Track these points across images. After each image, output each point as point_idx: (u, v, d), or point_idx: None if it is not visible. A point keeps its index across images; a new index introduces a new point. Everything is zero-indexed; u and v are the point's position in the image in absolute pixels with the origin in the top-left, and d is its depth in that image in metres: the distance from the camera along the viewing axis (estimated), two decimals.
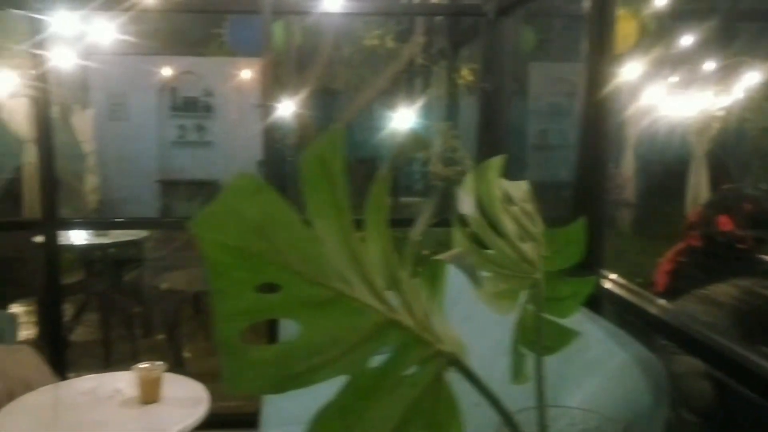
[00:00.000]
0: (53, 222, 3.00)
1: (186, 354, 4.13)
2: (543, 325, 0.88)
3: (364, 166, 6.30)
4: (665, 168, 6.05)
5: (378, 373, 0.55)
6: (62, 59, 3.47)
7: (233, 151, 7.64)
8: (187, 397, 2.22)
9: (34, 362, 2.55)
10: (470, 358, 0.61)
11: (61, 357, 3.04)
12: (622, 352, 1.45)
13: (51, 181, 3.00)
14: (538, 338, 0.88)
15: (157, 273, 4.54)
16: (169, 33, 6.72)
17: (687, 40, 4.28)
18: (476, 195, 0.91)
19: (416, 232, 0.64)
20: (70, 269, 4.42)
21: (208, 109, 7.95)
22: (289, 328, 2.59)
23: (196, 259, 4.36)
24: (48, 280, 3.04)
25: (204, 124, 7.97)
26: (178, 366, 3.82)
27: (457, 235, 0.89)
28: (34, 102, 2.99)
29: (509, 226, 0.90)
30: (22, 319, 4.07)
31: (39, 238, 3.63)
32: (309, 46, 5.10)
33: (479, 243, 0.89)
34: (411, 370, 0.57)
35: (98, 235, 4.38)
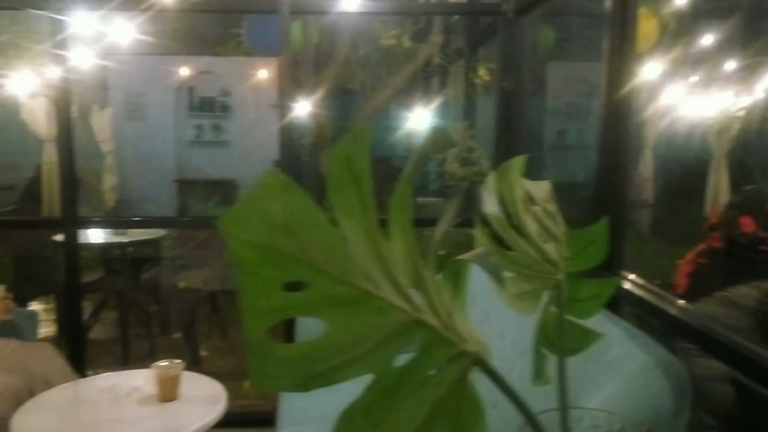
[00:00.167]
0: (73, 220, 3.03)
1: (202, 352, 4.15)
2: (565, 326, 0.88)
3: (380, 165, 6.30)
4: (684, 169, 6.00)
5: (403, 373, 0.55)
6: (81, 59, 3.50)
7: (250, 151, 7.67)
8: (205, 396, 2.23)
9: (54, 359, 2.57)
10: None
11: (80, 354, 3.07)
12: (643, 354, 1.44)
13: (71, 180, 3.03)
14: (559, 339, 0.87)
15: (175, 272, 4.57)
16: (187, 33, 6.75)
17: (708, 38, 4.24)
18: (498, 195, 0.90)
19: (439, 232, 0.63)
20: (88, 267, 4.47)
21: (225, 109, 7.99)
22: (305, 328, 2.59)
23: (212, 259, 4.39)
24: (68, 278, 3.06)
25: (221, 123, 8.01)
26: (194, 364, 3.84)
27: (480, 235, 0.88)
28: (53, 102, 3.01)
29: (531, 226, 0.90)
30: (42, 316, 4.11)
31: (59, 237, 3.68)
32: (326, 45, 5.10)
33: (501, 243, 0.88)
34: (435, 370, 0.57)
35: (117, 234, 4.42)
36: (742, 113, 5.04)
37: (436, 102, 5.34)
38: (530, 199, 0.93)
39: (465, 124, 4.63)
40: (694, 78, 4.75)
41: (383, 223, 0.55)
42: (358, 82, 5.55)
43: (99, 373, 2.61)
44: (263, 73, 7.22)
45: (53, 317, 4.42)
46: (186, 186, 7.66)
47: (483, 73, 5.12)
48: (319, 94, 4.82)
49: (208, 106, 7.98)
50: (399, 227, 0.57)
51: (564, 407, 0.79)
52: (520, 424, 0.70)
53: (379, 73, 5.40)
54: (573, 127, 7.90)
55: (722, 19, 4.46)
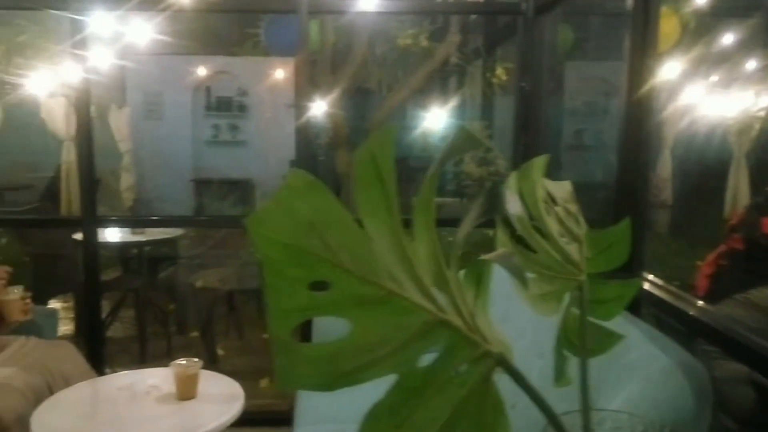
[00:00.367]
0: (92, 219, 3.05)
1: (219, 351, 4.17)
2: (587, 327, 0.87)
3: (398, 165, 6.28)
4: (704, 169, 5.94)
5: (426, 373, 0.55)
6: (100, 59, 3.53)
7: (266, 151, 7.70)
8: (223, 394, 2.24)
9: (73, 357, 2.59)
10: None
11: (98, 352, 3.09)
12: (663, 356, 1.42)
13: (90, 180, 3.05)
14: (581, 341, 0.86)
15: (192, 271, 4.59)
16: (205, 33, 6.79)
17: (728, 37, 4.19)
18: (519, 195, 0.89)
19: (463, 232, 0.63)
20: (107, 266, 4.50)
21: (242, 108, 8.02)
22: (322, 328, 2.59)
23: (229, 258, 4.41)
24: (87, 277, 3.09)
25: (238, 123, 8.05)
26: (211, 363, 3.86)
27: (501, 236, 0.88)
28: (72, 102, 3.03)
29: (553, 226, 0.89)
30: (61, 314, 4.14)
31: (78, 236, 3.71)
32: (343, 45, 5.11)
33: (522, 244, 0.88)
34: (459, 370, 0.57)
35: (134, 233, 4.45)
36: (763, 113, 4.98)
37: (454, 102, 5.32)
38: (551, 200, 0.93)
39: (482, 124, 4.61)
40: (715, 77, 4.70)
41: (406, 223, 0.55)
42: (374, 81, 5.54)
43: (117, 371, 2.63)
44: (280, 73, 7.24)
45: (72, 315, 4.46)
46: (203, 185, 7.70)
47: (500, 73, 5.11)
48: (335, 93, 4.82)
49: (225, 106, 8.02)
50: (423, 227, 0.57)
51: (586, 408, 0.79)
52: (542, 425, 0.69)
53: (395, 73, 5.40)
54: (590, 127, 7.84)
55: (743, 18, 4.41)
